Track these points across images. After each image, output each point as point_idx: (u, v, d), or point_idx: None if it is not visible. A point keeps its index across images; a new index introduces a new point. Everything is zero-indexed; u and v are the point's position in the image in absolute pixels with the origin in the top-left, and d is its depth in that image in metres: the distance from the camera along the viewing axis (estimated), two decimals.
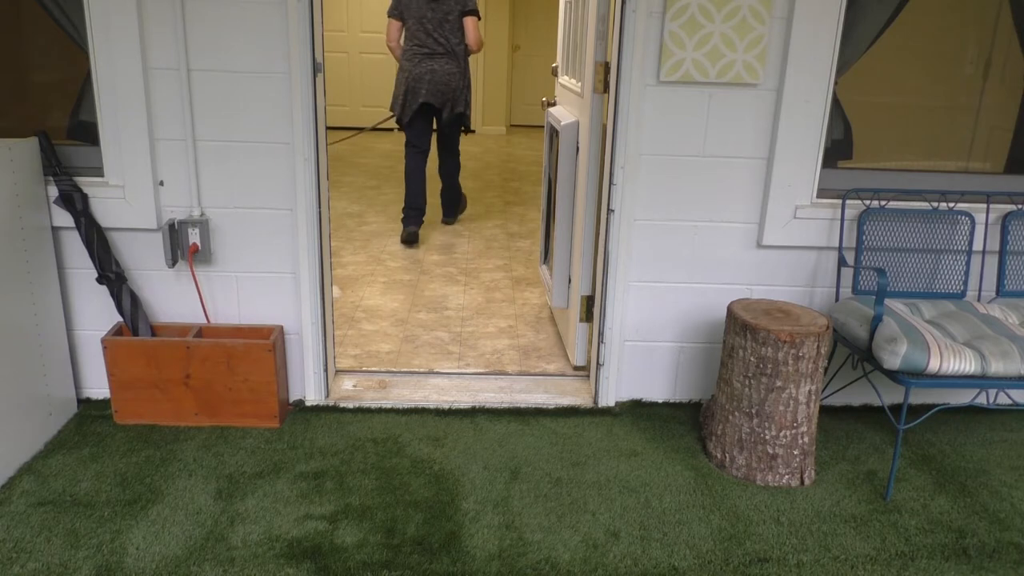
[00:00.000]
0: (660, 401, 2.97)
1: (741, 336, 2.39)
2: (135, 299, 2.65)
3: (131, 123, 2.51)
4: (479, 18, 4.86)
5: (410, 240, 5.03)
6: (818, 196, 2.73)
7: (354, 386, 2.98)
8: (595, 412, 2.87)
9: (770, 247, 2.77)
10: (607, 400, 2.91)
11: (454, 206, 5.52)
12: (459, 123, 5.06)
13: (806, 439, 2.42)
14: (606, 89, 2.76)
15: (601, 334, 2.85)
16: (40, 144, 2.50)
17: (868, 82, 2.90)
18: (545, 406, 2.89)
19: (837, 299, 2.73)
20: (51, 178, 2.53)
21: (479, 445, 2.61)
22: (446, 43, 4.82)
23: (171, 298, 2.74)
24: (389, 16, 4.85)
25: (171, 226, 2.59)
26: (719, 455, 2.53)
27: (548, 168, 3.68)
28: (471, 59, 4.86)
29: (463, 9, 4.78)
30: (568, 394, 2.98)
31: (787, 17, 2.52)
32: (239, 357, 2.60)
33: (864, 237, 2.71)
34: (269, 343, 2.59)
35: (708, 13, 2.49)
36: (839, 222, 2.72)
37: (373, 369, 3.14)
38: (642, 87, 2.57)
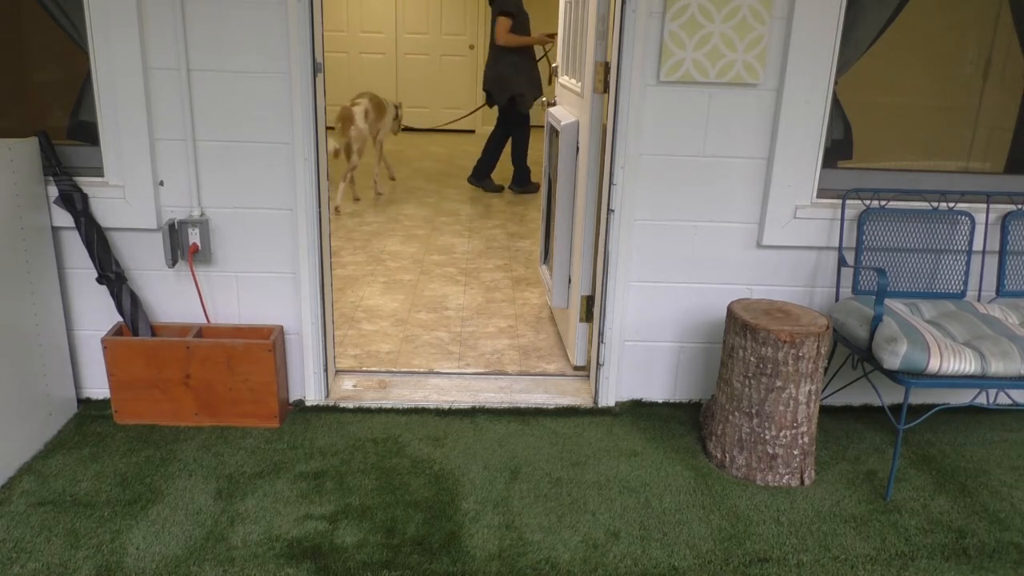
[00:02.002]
0: (660, 401, 2.97)
1: (741, 336, 2.39)
2: (135, 299, 2.65)
3: (131, 123, 2.51)
4: (508, 18, 5.78)
5: (471, 180, 6.57)
6: (818, 196, 2.73)
7: (354, 386, 2.98)
8: (595, 412, 2.87)
9: (770, 247, 2.77)
10: (607, 400, 2.91)
11: (516, 175, 6.49)
12: (510, 106, 6.07)
13: (806, 439, 2.42)
14: (606, 89, 2.76)
15: (601, 334, 2.85)
16: (40, 144, 2.50)
17: (868, 82, 2.90)
18: (545, 406, 2.89)
19: (837, 299, 2.73)
20: (51, 178, 2.53)
21: (479, 445, 2.61)
22: (493, 40, 5.97)
23: (171, 298, 2.74)
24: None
25: (171, 226, 2.59)
26: (719, 455, 2.53)
27: (548, 168, 3.68)
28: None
29: (497, 11, 5.83)
30: (568, 394, 2.98)
31: (787, 17, 2.52)
32: (239, 357, 2.60)
33: (864, 237, 2.71)
34: (269, 343, 2.59)
35: (708, 13, 2.49)
36: (839, 222, 2.72)
37: (373, 369, 3.14)
38: (642, 87, 2.57)
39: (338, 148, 5.97)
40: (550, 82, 6.05)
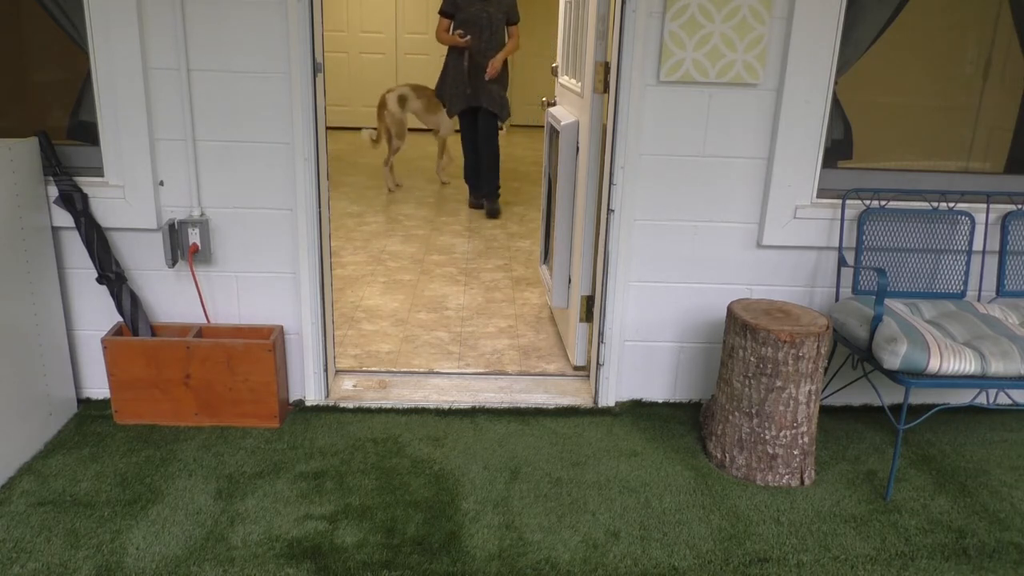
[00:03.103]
0: (660, 401, 2.97)
1: (741, 336, 2.39)
2: (135, 299, 2.65)
3: (131, 123, 2.51)
4: (443, 17, 5.62)
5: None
6: (818, 196, 2.73)
7: (354, 386, 2.98)
8: (595, 412, 2.87)
9: (770, 247, 2.77)
10: (607, 400, 2.91)
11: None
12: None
13: (806, 439, 2.42)
14: (606, 89, 2.76)
15: (601, 334, 2.85)
16: (40, 144, 2.50)
17: (868, 82, 2.90)
18: (545, 406, 2.89)
19: (837, 299, 2.73)
20: (51, 178, 2.53)
21: (479, 445, 2.61)
22: None
23: (171, 298, 2.74)
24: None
25: (171, 226, 2.59)
26: (719, 455, 2.53)
27: (548, 168, 3.68)
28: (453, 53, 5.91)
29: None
30: (568, 394, 2.98)
31: (787, 17, 2.52)
32: (239, 357, 2.60)
33: (864, 237, 2.71)
34: (269, 343, 2.59)
35: (708, 13, 2.49)
36: (839, 222, 2.72)
37: (373, 369, 3.14)
38: (642, 87, 2.57)
39: (375, 135, 6.12)
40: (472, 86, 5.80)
